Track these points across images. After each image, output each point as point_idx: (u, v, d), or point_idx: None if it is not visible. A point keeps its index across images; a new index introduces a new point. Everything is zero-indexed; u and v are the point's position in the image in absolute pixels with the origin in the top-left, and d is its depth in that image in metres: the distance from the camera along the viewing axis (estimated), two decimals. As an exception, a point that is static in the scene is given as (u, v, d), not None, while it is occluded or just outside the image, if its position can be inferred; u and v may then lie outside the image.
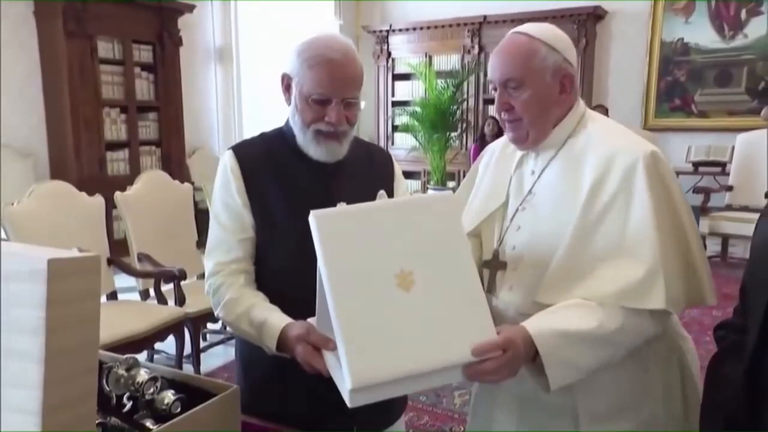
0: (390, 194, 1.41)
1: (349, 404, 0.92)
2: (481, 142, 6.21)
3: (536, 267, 1.19)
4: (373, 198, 1.34)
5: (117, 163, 5.21)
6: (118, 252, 3.32)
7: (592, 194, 1.13)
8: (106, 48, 5.02)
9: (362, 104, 1.40)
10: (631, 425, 1.19)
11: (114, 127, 5.17)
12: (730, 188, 5.31)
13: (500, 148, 1.38)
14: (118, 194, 3.16)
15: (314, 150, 1.28)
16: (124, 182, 3.46)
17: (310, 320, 1.13)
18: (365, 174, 1.39)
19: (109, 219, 4.06)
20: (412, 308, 0.94)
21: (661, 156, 1.15)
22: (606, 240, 1.11)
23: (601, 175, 1.14)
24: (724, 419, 0.99)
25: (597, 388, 1.07)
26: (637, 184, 1.11)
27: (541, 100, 1.18)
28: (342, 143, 1.29)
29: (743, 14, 6.21)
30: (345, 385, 0.90)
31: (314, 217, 0.96)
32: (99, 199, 3.09)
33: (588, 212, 1.13)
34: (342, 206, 1.13)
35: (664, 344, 1.22)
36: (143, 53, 5.36)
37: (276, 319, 1.18)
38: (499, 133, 3.42)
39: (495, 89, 1.22)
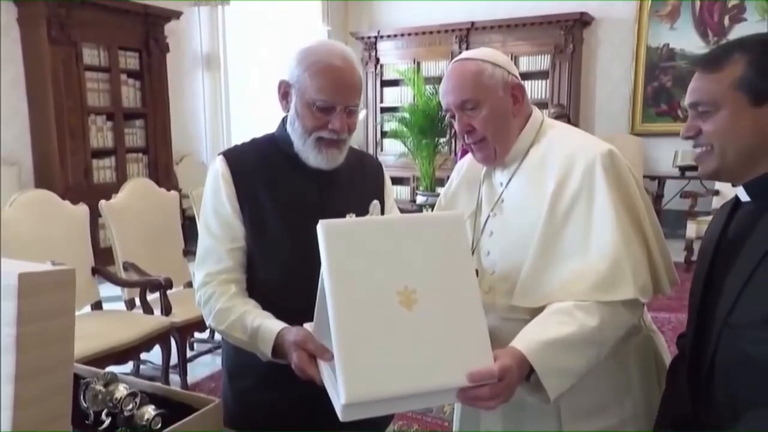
0: (381, 204, 1.40)
1: (341, 418, 0.92)
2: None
3: (510, 271, 1.22)
4: (365, 207, 1.34)
5: (103, 170, 5.16)
6: (104, 261, 3.27)
7: (556, 196, 1.17)
8: (91, 55, 4.98)
9: (362, 113, 1.40)
10: (613, 422, 1.21)
11: (100, 135, 5.12)
12: (716, 192, 5.35)
13: (471, 158, 1.40)
14: (102, 202, 3.13)
15: (314, 158, 1.27)
16: (111, 190, 3.42)
17: (307, 326, 1.13)
18: (358, 183, 1.38)
19: (96, 228, 4.02)
20: (412, 327, 0.93)
21: (617, 153, 1.19)
22: (572, 239, 1.15)
23: (562, 177, 1.18)
24: (673, 417, 1.09)
25: (579, 387, 1.08)
26: (597, 182, 1.15)
27: (498, 114, 1.23)
28: (342, 151, 1.29)
29: (726, 21, 6.28)
30: (339, 399, 0.89)
31: (322, 227, 0.95)
32: (83, 208, 3.05)
33: (553, 214, 1.17)
34: (351, 218, 1.15)
35: (639, 340, 1.26)
36: (129, 60, 5.32)
37: (271, 324, 1.17)
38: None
39: (453, 117, 1.27)
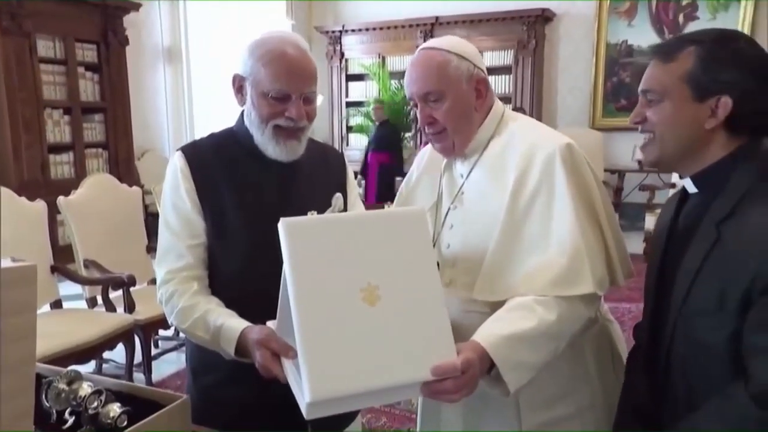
0: (344, 198, 1.39)
1: (306, 416, 0.92)
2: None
3: (471, 264, 1.22)
4: (327, 201, 1.33)
5: (61, 166, 5.01)
6: (64, 259, 3.19)
7: (516, 190, 1.18)
8: (46, 47, 4.82)
9: (319, 99, 1.39)
10: (570, 410, 1.24)
11: (57, 129, 4.97)
12: (673, 185, 5.52)
13: (431, 150, 1.40)
14: (61, 199, 3.04)
15: (273, 149, 1.26)
16: (70, 186, 3.33)
17: (270, 323, 1.12)
18: (320, 176, 1.37)
19: (54, 225, 3.90)
20: (376, 323, 0.93)
21: (575, 147, 1.21)
22: (532, 233, 1.16)
23: (522, 170, 1.18)
24: (633, 408, 1.12)
25: (537, 378, 1.10)
26: (557, 176, 1.16)
27: (461, 108, 1.23)
28: (301, 141, 1.27)
29: (681, 18, 6.48)
30: (303, 397, 0.89)
31: (284, 225, 0.94)
32: (40, 204, 2.96)
33: (514, 208, 1.17)
34: (312, 215, 1.13)
35: (596, 330, 1.29)
36: (87, 52, 5.16)
37: (234, 323, 1.16)
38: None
39: (416, 106, 1.26)
